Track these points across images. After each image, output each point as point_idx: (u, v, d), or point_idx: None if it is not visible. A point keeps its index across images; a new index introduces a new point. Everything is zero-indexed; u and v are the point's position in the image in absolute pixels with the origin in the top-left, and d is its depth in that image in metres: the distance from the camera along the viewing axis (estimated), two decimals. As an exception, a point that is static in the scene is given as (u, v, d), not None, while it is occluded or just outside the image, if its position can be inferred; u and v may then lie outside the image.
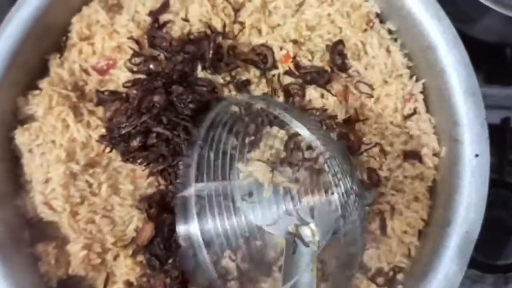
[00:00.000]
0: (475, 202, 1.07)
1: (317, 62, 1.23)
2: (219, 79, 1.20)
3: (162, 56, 1.20)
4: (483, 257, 1.38)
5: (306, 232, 1.01)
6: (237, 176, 1.07)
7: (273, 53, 1.22)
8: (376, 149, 1.17)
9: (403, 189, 1.18)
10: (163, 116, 1.10)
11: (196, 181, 1.07)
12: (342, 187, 0.86)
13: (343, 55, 1.24)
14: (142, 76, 1.19)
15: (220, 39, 1.21)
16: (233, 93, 1.20)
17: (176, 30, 1.24)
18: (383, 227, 1.16)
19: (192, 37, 1.22)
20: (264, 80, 1.22)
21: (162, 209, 1.14)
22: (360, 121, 1.19)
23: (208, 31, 1.22)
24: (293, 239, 1.00)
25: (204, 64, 1.18)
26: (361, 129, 1.19)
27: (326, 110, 1.19)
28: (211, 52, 1.17)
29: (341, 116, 1.18)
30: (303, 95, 1.20)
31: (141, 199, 1.16)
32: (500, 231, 1.49)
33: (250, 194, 1.05)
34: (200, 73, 1.19)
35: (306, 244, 0.99)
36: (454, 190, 1.09)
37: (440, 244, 1.07)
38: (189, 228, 1.06)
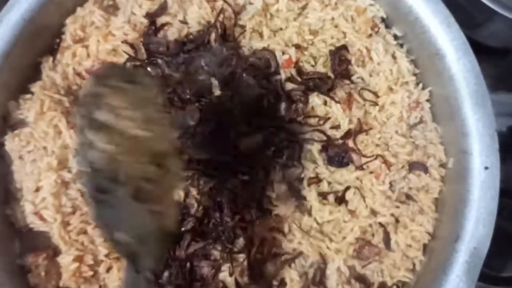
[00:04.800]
0: (484, 217, 1.04)
1: (320, 68, 1.19)
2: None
3: (160, 61, 1.16)
4: (487, 268, 1.35)
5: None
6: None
7: (275, 57, 1.18)
8: (377, 162, 1.14)
9: (407, 201, 1.15)
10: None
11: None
12: None
13: (346, 61, 1.20)
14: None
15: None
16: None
17: (173, 33, 1.20)
18: (386, 241, 1.12)
19: (191, 36, 1.19)
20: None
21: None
22: (364, 131, 1.15)
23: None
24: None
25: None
26: (363, 140, 1.15)
27: (329, 118, 1.16)
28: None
29: (344, 126, 1.15)
30: (306, 102, 1.16)
31: (135, 208, 1.12)
32: (505, 243, 1.45)
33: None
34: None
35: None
36: (462, 203, 1.06)
37: (447, 260, 1.04)
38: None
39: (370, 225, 1.12)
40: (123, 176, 0.73)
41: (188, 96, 1.12)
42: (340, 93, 1.17)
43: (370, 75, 1.20)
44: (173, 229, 0.81)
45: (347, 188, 1.12)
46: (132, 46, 1.17)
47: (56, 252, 1.11)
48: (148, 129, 0.76)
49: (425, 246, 1.13)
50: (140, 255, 0.76)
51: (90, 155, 0.72)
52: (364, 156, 1.14)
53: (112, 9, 1.25)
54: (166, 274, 1.07)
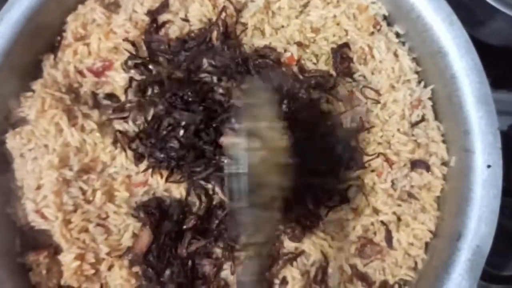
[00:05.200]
0: (487, 215, 1.03)
1: (322, 66, 1.19)
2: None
3: (162, 59, 1.16)
4: (488, 267, 1.35)
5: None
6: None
7: (277, 54, 1.18)
8: (379, 160, 1.14)
9: (409, 200, 1.14)
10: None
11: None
12: None
13: (348, 59, 1.20)
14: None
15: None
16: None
17: (175, 30, 1.19)
18: (388, 239, 1.12)
19: (192, 34, 1.19)
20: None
21: (160, 217, 1.09)
22: (366, 129, 1.15)
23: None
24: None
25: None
26: (365, 139, 1.15)
27: (330, 113, 1.15)
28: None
29: (346, 124, 1.14)
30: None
31: (137, 206, 1.12)
32: (506, 241, 1.45)
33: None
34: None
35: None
36: (465, 201, 1.06)
37: (449, 258, 1.04)
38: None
39: (372, 224, 1.12)
40: (266, 183, 0.81)
41: (190, 99, 1.11)
42: (342, 91, 1.17)
43: (372, 73, 1.20)
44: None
45: (349, 186, 1.12)
46: (133, 44, 1.17)
47: (57, 250, 1.11)
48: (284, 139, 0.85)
49: (427, 244, 1.13)
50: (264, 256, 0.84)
51: (250, 158, 0.79)
52: (366, 154, 1.14)
53: (113, 7, 1.25)
54: (168, 272, 1.07)
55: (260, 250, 0.83)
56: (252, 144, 0.80)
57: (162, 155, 1.09)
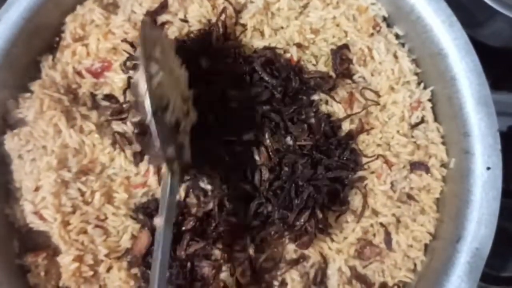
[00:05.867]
0: (486, 217, 1.03)
1: (322, 67, 1.19)
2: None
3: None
4: (487, 268, 1.34)
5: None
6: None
7: (278, 55, 1.17)
8: (379, 162, 1.13)
9: (409, 201, 1.14)
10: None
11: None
12: None
13: (348, 60, 1.19)
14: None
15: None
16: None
17: (174, 31, 1.19)
18: (388, 241, 1.12)
19: (192, 35, 1.18)
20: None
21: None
22: (365, 131, 1.15)
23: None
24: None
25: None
26: (365, 140, 1.15)
27: (330, 117, 1.15)
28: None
29: (345, 126, 1.14)
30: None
31: (136, 208, 1.12)
32: (505, 243, 1.45)
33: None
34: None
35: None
36: (464, 203, 1.05)
37: (449, 260, 1.04)
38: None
39: (372, 225, 1.12)
40: (171, 106, 0.93)
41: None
42: (342, 93, 1.16)
43: (372, 75, 1.19)
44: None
45: (349, 188, 1.12)
46: (132, 44, 1.16)
47: (56, 251, 1.10)
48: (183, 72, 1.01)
49: (426, 246, 1.13)
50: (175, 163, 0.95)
51: (153, 83, 0.91)
52: (366, 156, 1.14)
53: (112, 7, 1.24)
54: (166, 274, 1.06)
55: (171, 166, 0.94)
56: (151, 68, 0.91)
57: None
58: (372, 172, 1.13)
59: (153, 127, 0.89)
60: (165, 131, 0.92)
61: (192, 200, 1.10)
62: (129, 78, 1.15)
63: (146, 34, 0.97)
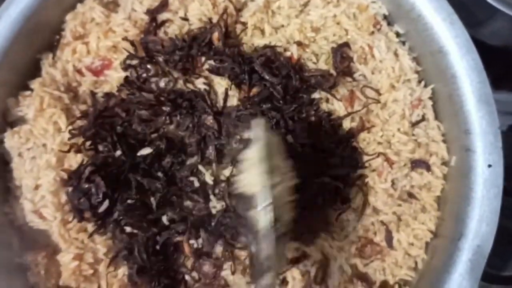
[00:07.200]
0: (488, 215, 1.03)
1: (322, 65, 1.18)
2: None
3: (160, 58, 1.15)
4: (488, 267, 1.34)
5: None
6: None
7: (278, 54, 1.17)
8: (379, 160, 1.13)
9: (410, 200, 1.14)
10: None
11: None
12: None
13: (348, 58, 1.19)
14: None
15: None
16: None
17: (174, 29, 1.19)
18: (389, 239, 1.11)
19: (192, 33, 1.18)
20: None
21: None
22: (366, 129, 1.14)
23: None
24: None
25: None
26: (366, 138, 1.15)
27: (331, 115, 1.15)
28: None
29: (346, 124, 1.14)
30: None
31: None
32: (506, 242, 1.45)
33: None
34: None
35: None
36: (465, 201, 1.05)
37: (450, 258, 1.03)
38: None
39: (373, 224, 1.12)
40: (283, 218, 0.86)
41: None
42: (342, 91, 1.16)
43: (372, 73, 1.19)
44: None
45: (350, 186, 1.12)
46: (132, 43, 1.16)
47: (55, 250, 1.10)
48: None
49: (427, 244, 1.13)
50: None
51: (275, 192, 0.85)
52: (366, 154, 1.13)
53: (112, 6, 1.24)
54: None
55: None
56: (274, 179, 0.85)
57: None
58: (373, 170, 1.13)
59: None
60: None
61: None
62: (127, 77, 1.15)
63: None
